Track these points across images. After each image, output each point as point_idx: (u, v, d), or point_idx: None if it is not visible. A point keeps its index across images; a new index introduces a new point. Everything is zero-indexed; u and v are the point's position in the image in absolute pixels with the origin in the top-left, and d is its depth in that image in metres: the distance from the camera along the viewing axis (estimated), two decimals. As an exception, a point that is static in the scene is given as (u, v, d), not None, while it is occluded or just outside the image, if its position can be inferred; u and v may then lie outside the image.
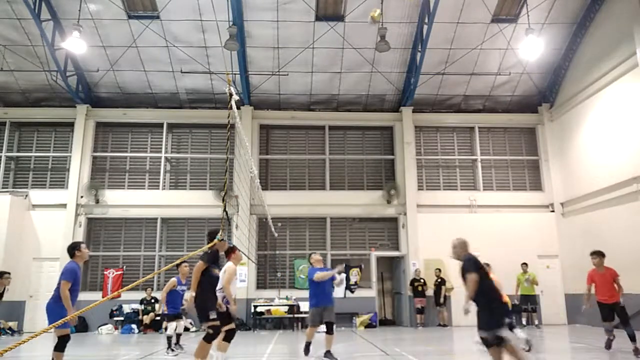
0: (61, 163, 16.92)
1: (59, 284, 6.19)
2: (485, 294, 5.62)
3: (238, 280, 7.93)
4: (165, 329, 10.09)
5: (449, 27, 15.36)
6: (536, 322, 14.89)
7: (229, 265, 7.69)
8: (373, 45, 14.94)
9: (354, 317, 15.60)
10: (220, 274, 7.31)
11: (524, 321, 14.79)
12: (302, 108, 17.64)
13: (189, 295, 6.54)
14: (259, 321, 15.41)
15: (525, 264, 14.70)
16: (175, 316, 9.83)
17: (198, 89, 17.06)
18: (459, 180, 17.31)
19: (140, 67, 16.32)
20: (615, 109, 13.86)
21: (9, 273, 10.03)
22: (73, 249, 6.49)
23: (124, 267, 16.00)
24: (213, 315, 6.28)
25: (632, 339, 8.64)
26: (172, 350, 9.59)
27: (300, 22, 15.20)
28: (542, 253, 16.15)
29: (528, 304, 14.39)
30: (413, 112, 17.26)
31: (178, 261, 8.37)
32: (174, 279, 9.91)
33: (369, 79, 16.82)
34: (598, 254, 9.27)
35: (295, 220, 16.73)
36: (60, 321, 4.57)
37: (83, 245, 6.55)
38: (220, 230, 6.13)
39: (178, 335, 9.98)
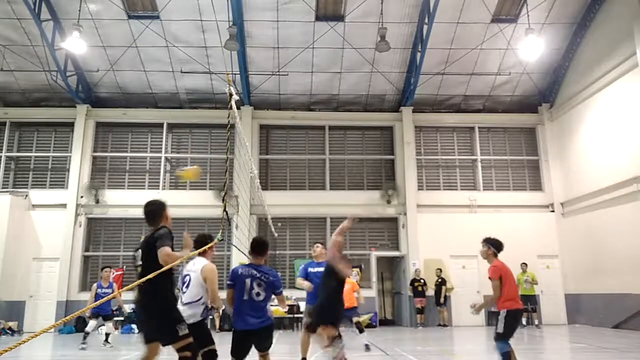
0: (61, 163, 16.91)
1: None
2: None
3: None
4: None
5: (449, 27, 15.36)
6: (536, 322, 14.88)
7: (208, 264, 5.43)
8: (373, 45, 14.95)
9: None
10: (192, 274, 5.40)
11: (524, 321, 14.77)
12: (302, 108, 17.64)
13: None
14: (259, 321, 15.39)
15: (524, 264, 14.71)
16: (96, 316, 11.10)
17: (198, 89, 17.06)
18: (459, 180, 17.31)
19: (140, 67, 16.32)
20: (615, 109, 13.86)
21: None
22: None
23: (124, 267, 16.00)
24: (184, 331, 4.44)
25: None
26: (85, 343, 10.56)
27: (300, 22, 15.20)
28: (542, 253, 16.15)
29: (528, 304, 14.37)
30: (413, 112, 17.26)
31: (179, 261, 8.32)
32: (95, 284, 11.36)
33: (369, 79, 16.82)
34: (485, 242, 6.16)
35: (295, 220, 16.73)
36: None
37: None
38: (220, 230, 6.06)
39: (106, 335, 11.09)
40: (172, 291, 4.55)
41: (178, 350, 4.35)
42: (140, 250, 4.62)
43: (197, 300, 5.17)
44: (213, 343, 5.10)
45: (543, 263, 16.17)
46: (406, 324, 15.94)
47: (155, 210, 4.74)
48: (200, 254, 5.46)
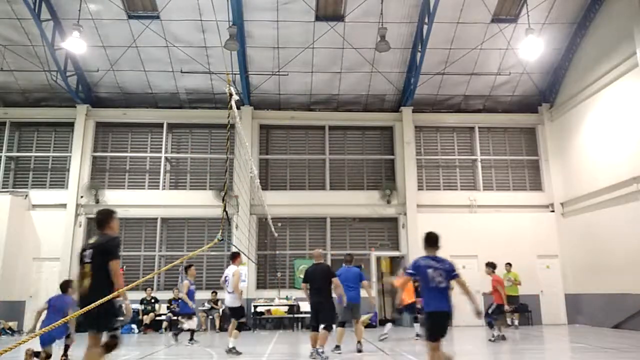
0: (61, 163, 16.92)
1: (61, 312, 7.44)
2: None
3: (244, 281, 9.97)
4: (182, 324, 11.60)
5: (449, 27, 15.36)
6: (516, 322, 14.52)
7: (235, 269, 9.30)
8: (373, 45, 14.94)
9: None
10: (229, 278, 9.30)
11: (509, 321, 14.56)
12: (302, 108, 17.64)
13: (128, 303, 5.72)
14: (259, 321, 15.41)
15: (509, 264, 14.53)
16: (193, 313, 11.36)
17: (198, 89, 17.06)
18: (459, 180, 17.31)
19: (140, 67, 16.32)
20: (615, 109, 13.85)
21: None
22: (67, 286, 7.77)
23: (124, 267, 15.99)
24: (118, 323, 5.31)
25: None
26: (196, 341, 11.04)
27: (300, 22, 15.20)
28: (542, 253, 16.15)
29: (511, 305, 14.22)
30: (413, 112, 17.26)
31: (179, 261, 8.44)
32: (186, 282, 11.10)
33: (369, 79, 16.82)
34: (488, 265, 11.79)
35: (295, 220, 16.72)
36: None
37: (73, 283, 7.26)
38: (220, 230, 6.10)
39: (193, 331, 11.29)
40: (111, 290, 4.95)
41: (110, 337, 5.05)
42: (90, 251, 5.12)
43: (233, 292, 9.13)
44: (244, 318, 9.44)
45: (543, 263, 16.17)
46: (406, 324, 15.92)
47: (102, 218, 5.34)
48: (233, 262, 9.57)
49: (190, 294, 11.09)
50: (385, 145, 17.65)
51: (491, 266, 11.64)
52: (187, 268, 11.44)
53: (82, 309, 4.42)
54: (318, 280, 8.37)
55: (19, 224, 15.60)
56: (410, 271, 5.50)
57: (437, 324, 5.38)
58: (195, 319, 11.44)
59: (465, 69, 16.45)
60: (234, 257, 9.63)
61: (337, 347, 9.00)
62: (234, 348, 8.93)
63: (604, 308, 13.88)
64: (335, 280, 8.39)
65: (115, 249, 5.13)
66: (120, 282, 4.98)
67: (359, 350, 9.23)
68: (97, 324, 4.97)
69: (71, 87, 15.94)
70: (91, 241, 5.24)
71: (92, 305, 4.29)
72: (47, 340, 7.49)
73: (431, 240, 5.62)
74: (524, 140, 17.70)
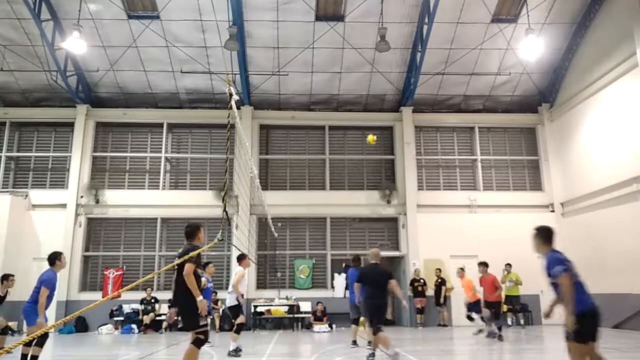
0: (61, 163, 16.92)
1: (37, 288, 7.15)
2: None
3: (246, 281, 10.00)
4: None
5: (449, 27, 15.36)
6: (521, 321, 14.81)
7: (240, 269, 9.37)
8: (373, 45, 14.95)
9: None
10: (232, 276, 9.60)
11: (509, 321, 14.63)
12: (302, 108, 17.64)
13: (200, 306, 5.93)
14: (259, 321, 15.41)
15: (508, 264, 14.58)
16: (209, 313, 11.02)
17: (198, 89, 17.06)
18: (459, 180, 17.31)
19: (140, 67, 16.32)
20: (615, 109, 13.86)
21: (13, 275, 10.61)
22: (54, 258, 7.27)
23: (124, 267, 16.00)
24: (203, 322, 5.93)
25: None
26: (209, 342, 10.62)
27: (300, 22, 15.20)
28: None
29: (512, 305, 14.33)
30: (413, 112, 17.26)
31: (179, 261, 8.43)
32: (204, 279, 10.72)
33: (369, 79, 16.82)
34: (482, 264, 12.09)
35: (295, 220, 16.73)
36: (44, 329, 4.76)
37: (63, 256, 7.32)
38: (220, 230, 6.11)
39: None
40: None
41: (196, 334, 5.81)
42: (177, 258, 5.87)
43: (232, 292, 9.14)
44: (243, 318, 9.14)
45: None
46: (406, 324, 15.94)
47: (190, 231, 6.06)
48: (239, 264, 9.55)
49: (208, 292, 10.83)
50: (385, 145, 17.64)
51: (485, 265, 12.02)
52: (205, 265, 11.22)
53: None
54: (378, 281, 7.93)
55: (19, 224, 15.59)
56: (566, 266, 4.89)
57: (597, 322, 4.79)
58: (208, 319, 11.38)
59: (465, 69, 16.45)
60: (240, 259, 9.59)
61: (355, 342, 9.59)
62: (234, 349, 8.98)
63: (604, 308, 13.65)
64: (393, 282, 8.07)
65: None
66: (190, 283, 5.56)
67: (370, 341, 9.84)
68: (188, 324, 5.87)
69: (71, 87, 15.94)
70: (180, 251, 5.93)
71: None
72: (25, 318, 7.38)
73: (553, 234, 5.30)
74: (523, 140, 17.70)
